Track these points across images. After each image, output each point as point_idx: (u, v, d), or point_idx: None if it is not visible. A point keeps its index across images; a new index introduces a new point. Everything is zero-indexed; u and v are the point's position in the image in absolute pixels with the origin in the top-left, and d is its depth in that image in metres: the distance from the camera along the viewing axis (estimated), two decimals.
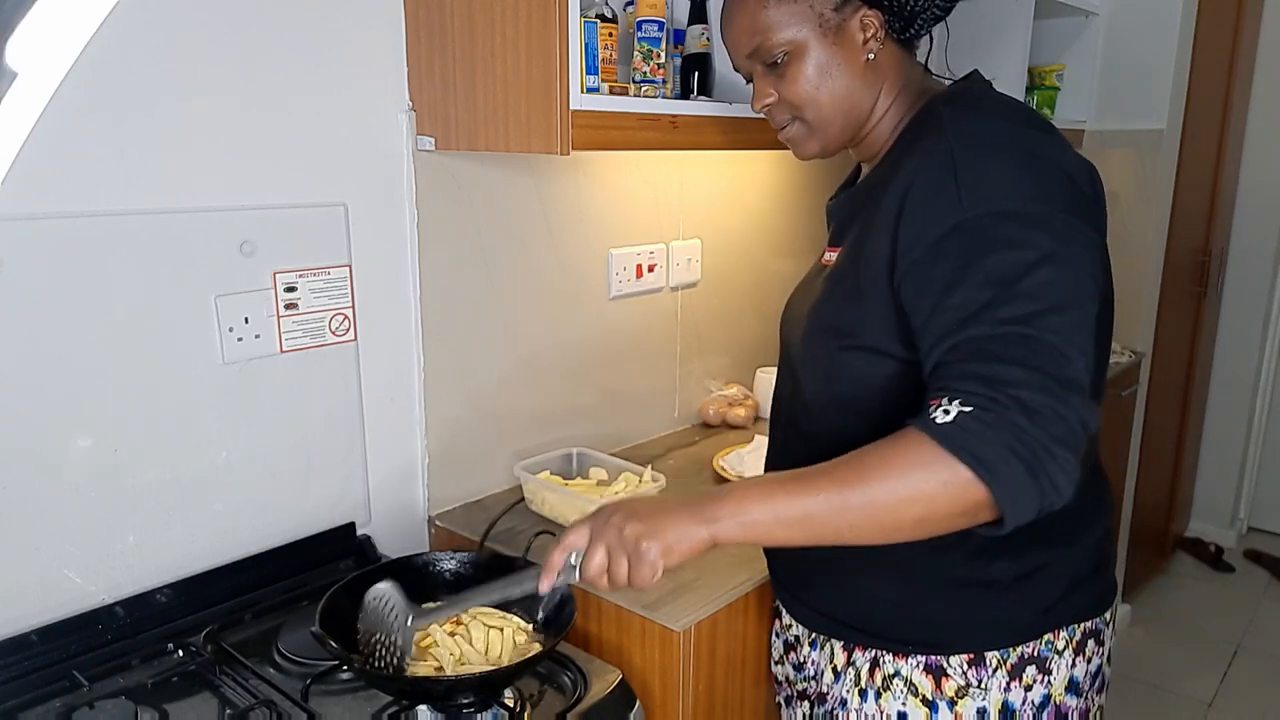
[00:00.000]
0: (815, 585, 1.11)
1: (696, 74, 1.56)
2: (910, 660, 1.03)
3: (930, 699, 1.02)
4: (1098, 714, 1.09)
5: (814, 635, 1.15)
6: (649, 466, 1.52)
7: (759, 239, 2.11)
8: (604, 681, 1.12)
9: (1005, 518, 0.81)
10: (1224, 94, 2.99)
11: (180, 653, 1.16)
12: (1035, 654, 1.01)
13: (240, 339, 1.25)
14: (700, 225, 1.94)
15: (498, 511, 1.50)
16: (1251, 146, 3.32)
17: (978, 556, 0.98)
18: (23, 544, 1.11)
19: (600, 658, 1.20)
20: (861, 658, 1.07)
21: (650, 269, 1.83)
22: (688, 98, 1.56)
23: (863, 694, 1.07)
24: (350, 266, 1.36)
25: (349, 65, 1.32)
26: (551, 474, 1.55)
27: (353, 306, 1.38)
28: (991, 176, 0.88)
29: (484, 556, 1.24)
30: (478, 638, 1.10)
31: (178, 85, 1.16)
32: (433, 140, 1.39)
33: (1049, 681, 1.01)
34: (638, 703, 1.13)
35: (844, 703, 1.09)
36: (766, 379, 2.05)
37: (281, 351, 1.30)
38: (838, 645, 1.10)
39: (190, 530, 1.24)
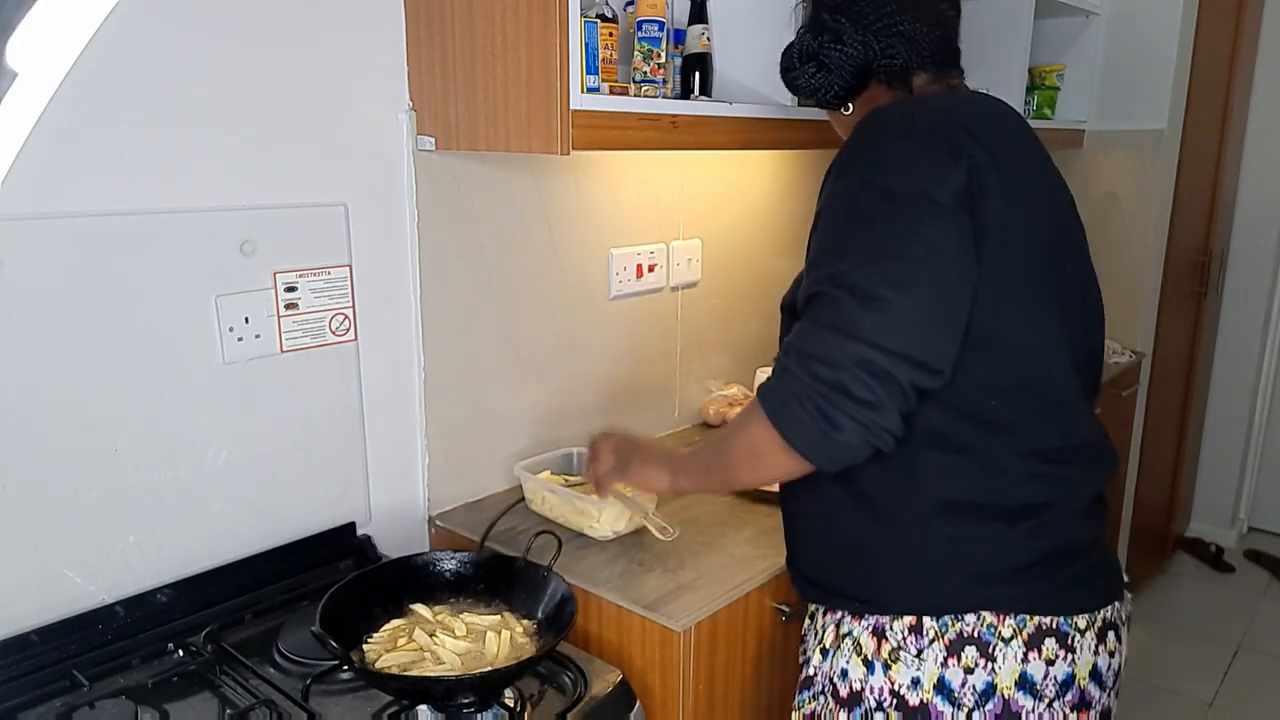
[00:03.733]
0: (794, 549, 1.17)
1: (697, 74, 1.57)
2: (863, 621, 1.06)
3: (869, 659, 1.04)
4: None
5: (810, 608, 1.19)
6: None
7: (759, 239, 2.11)
8: (604, 681, 1.12)
9: (802, 453, 0.94)
10: (1224, 94, 2.99)
11: (180, 653, 1.16)
12: (975, 634, 1.00)
13: (240, 339, 1.25)
14: (700, 225, 1.94)
15: (498, 511, 1.50)
16: (1251, 146, 3.32)
17: (916, 519, 1.01)
18: (23, 544, 1.11)
19: (600, 658, 1.20)
20: (828, 620, 1.11)
21: (650, 269, 1.83)
22: (688, 98, 1.56)
23: (824, 653, 1.10)
24: (350, 266, 1.36)
25: (349, 65, 1.32)
26: (552, 474, 1.55)
27: (353, 306, 1.38)
28: (865, 153, 1.00)
29: (484, 556, 1.24)
30: (472, 640, 1.10)
31: (178, 85, 1.16)
32: (433, 140, 1.39)
33: (993, 669, 1.00)
34: (638, 703, 1.13)
35: (808, 661, 1.12)
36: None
37: (282, 351, 1.30)
38: (818, 611, 1.15)
39: (190, 530, 1.24)
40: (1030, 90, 2.46)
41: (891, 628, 1.03)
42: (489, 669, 1.04)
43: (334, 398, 1.38)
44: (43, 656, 1.10)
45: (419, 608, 1.17)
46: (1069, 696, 1.01)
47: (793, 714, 1.17)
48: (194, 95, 1.17)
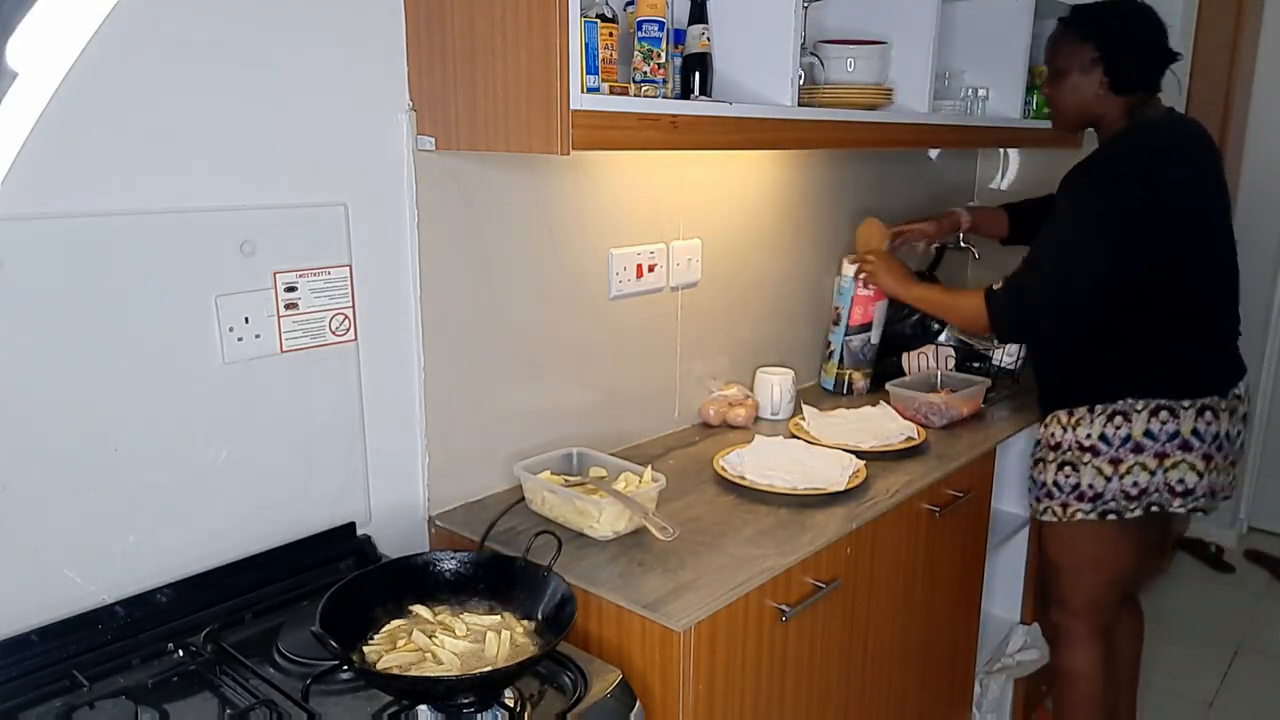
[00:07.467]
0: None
1: (697, 74, 1.56)
2: (1066, 412, 1.86)
3: (1064, 426, 1.85)
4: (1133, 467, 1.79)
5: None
6: (649, 466, 1.52)
7: (759, 239, 2.11)
8: (604, 681, 1.12)
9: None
10: (1224, 94, 2.99)
11: (180, 653, 1.16)
12: (1123, 410, 1.78)
13: (240, 339, 1.25)
14: (700, 225, 1.94)
15: (498, 511, 1.50)
16: (1252, 147, 3.32)
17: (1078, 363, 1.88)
18: (23, 544, 1.11)
19: (600, 658, 1.20)
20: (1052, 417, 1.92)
21: (650, 269, 1.83)
22: (688, 98, 1.56)
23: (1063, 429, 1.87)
24: (350, 266, 1.37)
25: (349, 65, 1.33)
26: (552, 474, 1.55)
27: (353, 306, 1.38)
28: None
29: (484, 556, 1.24)
30: (472, 640, 1.10)
31: (178, 85, 1.16)
32: (433, 140, 1.39)
33: (1130, 427, 1.78)
34: (638, 703, 1.13)
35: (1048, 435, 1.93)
36: (766, 379, 2.05)
37: (282, 351, 1.30)
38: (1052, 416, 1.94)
39: (190, 530, 1.24)
40: (1030, 90, 2.46)
41: (1075, 410, 1.84)
42: (489, 669, 1.04)
43: (334, 398, 1.38)
44: (43, 656, 1.10)
45: (419, 608, 1.17)
46: (1175, 441, 1.77)
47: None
48: (194, 95, 1.17)
